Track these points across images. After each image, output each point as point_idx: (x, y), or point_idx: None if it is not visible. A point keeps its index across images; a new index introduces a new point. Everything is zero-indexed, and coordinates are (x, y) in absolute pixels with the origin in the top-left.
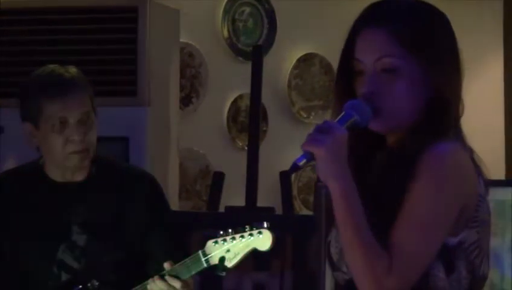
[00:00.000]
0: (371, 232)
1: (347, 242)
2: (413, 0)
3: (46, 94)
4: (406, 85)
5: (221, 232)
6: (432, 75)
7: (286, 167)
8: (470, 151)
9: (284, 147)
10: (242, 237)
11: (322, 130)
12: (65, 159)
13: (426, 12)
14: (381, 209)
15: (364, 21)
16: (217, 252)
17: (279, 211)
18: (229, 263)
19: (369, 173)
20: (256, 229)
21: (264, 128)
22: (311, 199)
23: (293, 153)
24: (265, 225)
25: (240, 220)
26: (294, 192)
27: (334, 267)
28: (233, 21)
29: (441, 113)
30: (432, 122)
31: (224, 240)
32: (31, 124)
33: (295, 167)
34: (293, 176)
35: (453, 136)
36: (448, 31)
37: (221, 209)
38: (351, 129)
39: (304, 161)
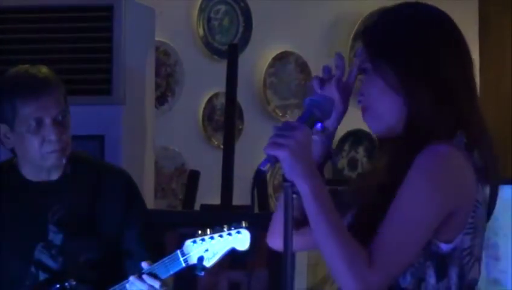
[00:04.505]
0: (345, 228)
1: (323, 241)
2: (397, 13)
3: (20, 95)
4: (377, 86)
5: (200, 232)
6: (399, 80)
7: None
8: (473, 155)
9: (260, 146)
10: (221, 236)
11: (282, 132)
12: (42, 159)
13: (400, 23)
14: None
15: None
16: (195, 251)
17: (254, 209)
18: (208, 263)
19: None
20: (235, 228)
21: (240, 127)
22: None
23: None
24: (243, 225)
25: (216, 219)
26: (270, 190)
27: None
28: (209, 19)
29: (417, 117)
30: (415, 127)
31: (203, 240)
32: (5, 125)
33: (260, 173)
34: (268, 174)
35: (447, 139)
36: (422, 44)
37: (197, 207)
38: (313, 126)
39: (268, 165)
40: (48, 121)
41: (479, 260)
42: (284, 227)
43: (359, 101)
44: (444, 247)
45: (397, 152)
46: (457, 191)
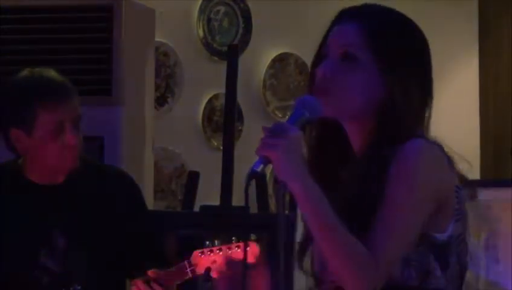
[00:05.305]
0: (345, 227)
1: (321, 241)
2: (387, 7)
3: (41, 100)
4: (360, 76)
5: (207, 243)
6: (386, 73)
7: None
8: (441, 146)
9: None
10: (229, 249)
11: (274, 133)
12: (61, 163)
13: (397, 18)
14: (360, 217)
15: (339, 18)
16: (203, 262)
17: (254, 210)
18: (215, 274)
19: (338, 185)
20: (244, 241)
21: (239, 128)
22: (287, 197)
23: None
24: (252, 238)
25: (215, 220)
26: (270, 191)
27: (319, 281)
28: (209, 20)
29: (391, 114)
30: (387, 124)
31: (211, 251)
32: (20, 131)
33: (253, 174)
34: (267, 175)
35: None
36: (415, 42)
37: (197, 208)
38: (303, 127)
39: (261, 166)
40: (68, 125)
41: (466, 243)
42: (278, 227)
43: (323, 74)
44: (440, 237)
45: (375, 148)
46: (440, 180)
